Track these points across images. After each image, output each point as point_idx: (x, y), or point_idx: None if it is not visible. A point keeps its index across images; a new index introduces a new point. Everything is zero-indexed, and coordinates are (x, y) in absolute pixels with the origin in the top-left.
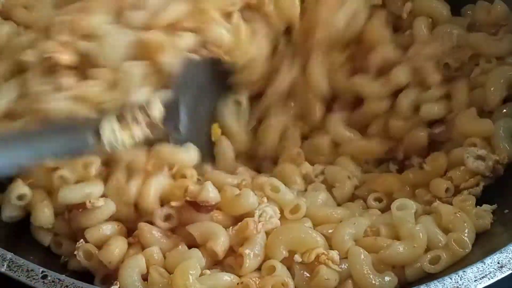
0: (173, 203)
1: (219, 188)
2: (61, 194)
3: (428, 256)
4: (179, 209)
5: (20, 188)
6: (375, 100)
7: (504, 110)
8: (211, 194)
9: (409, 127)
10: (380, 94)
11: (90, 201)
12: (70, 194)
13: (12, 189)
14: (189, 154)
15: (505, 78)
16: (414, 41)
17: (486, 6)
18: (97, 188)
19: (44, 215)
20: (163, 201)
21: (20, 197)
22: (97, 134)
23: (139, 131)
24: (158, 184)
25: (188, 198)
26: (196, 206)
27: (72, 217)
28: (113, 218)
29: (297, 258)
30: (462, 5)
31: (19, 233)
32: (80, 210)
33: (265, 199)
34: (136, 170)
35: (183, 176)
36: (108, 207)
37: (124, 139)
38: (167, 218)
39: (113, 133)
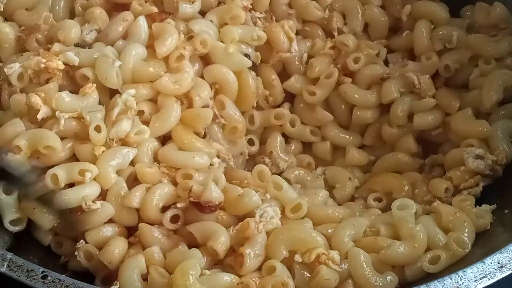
0: (178, 205)
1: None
2: (57, 198)
3: (428, 256)
4: (184, 210)
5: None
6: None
7: (502, 112)
8: (214, 194)
9: (402, 134)
10: (369, 104)
11: (86, 203)
12: (66, 199)
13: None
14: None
15: (502, 80)
16: (414, 43)
17: (486, 7)
18: (92, 189)
19: (46, 218)
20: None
21: (7, 191)
22: None
23: None
24: (161, 193)
25: (192, 199)
26: (200, 206)
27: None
28: (113, 221)
29: (298, 258)
30: (461, 7)
31: (19, 233)
32: (78, 213)
33: (267, 196)
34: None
35: (188, 177)
36: (106, 210)
37: None
38: (174, 218)
39: None
